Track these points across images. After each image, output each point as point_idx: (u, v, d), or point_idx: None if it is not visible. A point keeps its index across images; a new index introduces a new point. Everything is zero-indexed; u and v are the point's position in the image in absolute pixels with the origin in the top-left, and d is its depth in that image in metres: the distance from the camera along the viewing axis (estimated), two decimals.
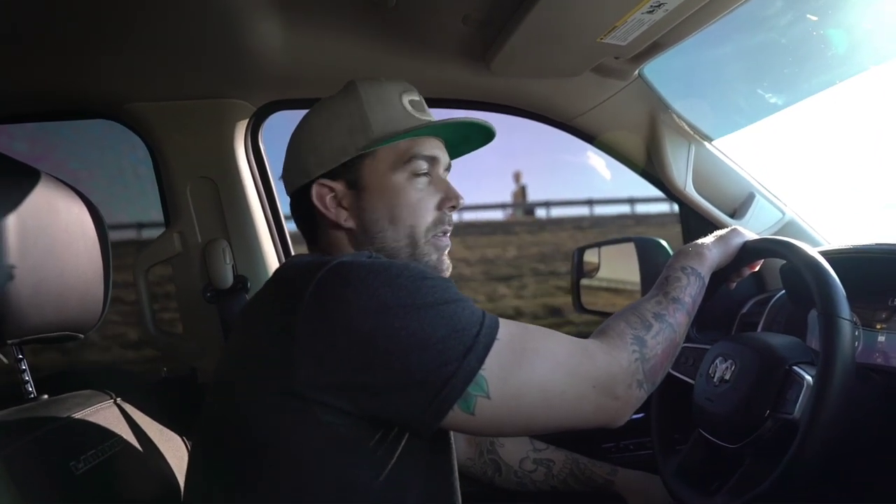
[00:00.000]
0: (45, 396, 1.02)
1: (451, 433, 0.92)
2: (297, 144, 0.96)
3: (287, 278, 0.79)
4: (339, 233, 0.93)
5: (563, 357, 0.78)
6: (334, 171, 0.92)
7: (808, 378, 0.92)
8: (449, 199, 0.94)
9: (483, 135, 1.01)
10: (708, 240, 1.03)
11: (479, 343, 0.73)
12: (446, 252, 0.96)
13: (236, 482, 0.76)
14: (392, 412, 0.73)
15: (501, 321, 0.78)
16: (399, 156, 0.92)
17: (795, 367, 0.94)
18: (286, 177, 0.98)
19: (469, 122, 0.95)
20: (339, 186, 0.92)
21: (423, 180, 0.93)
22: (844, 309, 0.87)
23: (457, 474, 0.93)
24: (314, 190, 0.92)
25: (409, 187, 0.92)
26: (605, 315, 1.88)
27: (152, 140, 1.45)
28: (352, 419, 0.73)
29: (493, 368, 0.73)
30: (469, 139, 1.02)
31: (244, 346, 0.81)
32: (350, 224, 0.92)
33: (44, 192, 0.97)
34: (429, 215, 0.93)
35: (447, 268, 0.95)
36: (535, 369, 0.76)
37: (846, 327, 0.86)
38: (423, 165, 0.93)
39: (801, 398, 0.91)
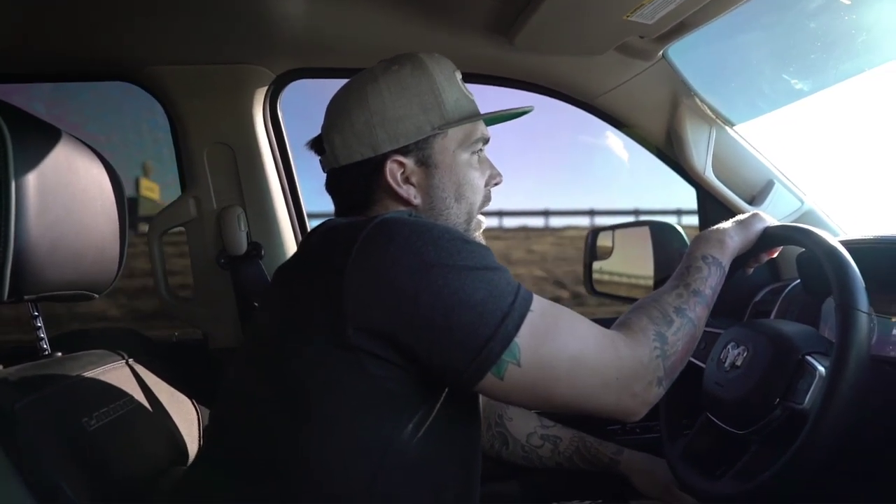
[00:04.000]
0: (59, 354, 1.03)
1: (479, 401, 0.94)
2: (359, 115, 0.91)
3: (334, 236, 0.80)
4: (403, 208, 0.93)
5: (592, 340, 0.79)
6: (404, 149, 0.92)
7: (821, 369, 0.91)
8: (493, 177, 0.99)
9: (505, 117, 1.04)
10: (728, 225, 1.02)
11: (515, 310, 0.74)
12: (483, 227, 1.00)
13: (275, 441, 0.77)
14: (434, 367, 0.75)
15: (535, 296, 0.79)
16: (466, 135, 0.94)
17: (808, 357, 0.94)
18: (338, 148, 0.93)
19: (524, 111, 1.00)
20: (409, 163, 0.92)
21: (477, 159, 0.97)
22: (863, 301, 0.86)
23: (481, 442, 0.95)
24: (388, 166, 0.91)
25: (472, 166, 0.96)
26: (616, 298, 1.89)
27: (171, 104, 1.45)
28: (398, 373, 0.75)
29: (525, 337, 0.74)
30: (493, 120, 1.04)
31: (288, 305, 0.81)
32: (418, 201, 0.93)
33: (64, 151, 0.98)
34: (481, 193, 0.97)
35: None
36: (566, 344, 0.77)
37: (863, 320, 0.85)
38: (482, 144, 0.97)
39: (812, 389, 0.90)
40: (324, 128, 0.97)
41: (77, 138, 1.06)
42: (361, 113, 0.91)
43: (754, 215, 1.04)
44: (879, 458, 1.01)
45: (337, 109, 0.95)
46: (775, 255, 1.11)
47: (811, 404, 0.89)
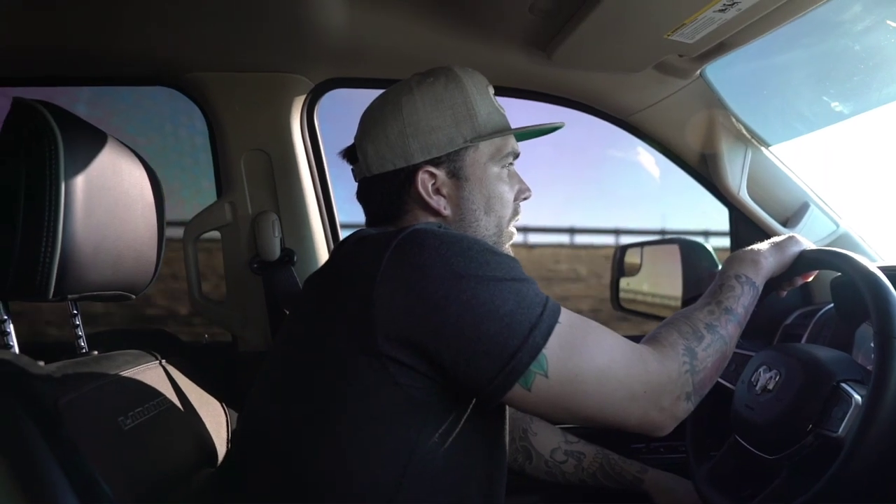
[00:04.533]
0: (96, 352, 1.05)
1: (507, 413, 0.94)
2: (393, 126, 0.93)
3: (366, 245, 0.81)
4: (433, 219, 0.95)
5: (620, 353, 0.79)
6: (436, 160, 0.93)
7: (857, 397, 0.89)
8: (523, 192, 1.00)
9: (537, 133, 1.06)
10: (763, 246, 1.01)
11: (544, 322, 0.75)
12: (512, 240, 1.01)
13: (301, 446, 0.78)
14: (460, 377, 0.75)
15: (563, 308, 0.79)
16: (497, 149, 0.96)
17: (844, 385, 0.92)
18: (371, 157, 0.95)
19: (555, 127, 1.03)
20: (441, 174, 0.93)
21: (507, 172, 0.98)
22: None
23: (506, 455, 0.94)
24: (420, 177, 0.93)
25: (502, 180, 0.97)
26: (642, 315, 1.88)
27: (210, 110, 1.47)
28: (425, 382, 0.75)
29: (553, 348, 0.75)
30: (525, 135, 1.05)
31: (319, 312, 0.82)
32: (447, 212, 0.94)
33: (110, 153, 1.00)
34: (510, 207, 0.98)
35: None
36: (593, 356, 0.77)
37: None
38: (512, 159, 0.99)
39: (847, 417, 0.88)
40: (357, 137, 0.99)
41: (120, 141, 1.08)
42: (395, 123, 0.93)
43: (790, 238, 1.04)
44: None
45: (371, 120, 0.97)
46: (810, 279, 1.09)
47: (846, 432, 0.87)
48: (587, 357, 0.77)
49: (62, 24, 1.24)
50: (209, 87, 1.45)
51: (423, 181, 0.93)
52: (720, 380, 1.19)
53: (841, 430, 0.88)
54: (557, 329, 0.76)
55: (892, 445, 0.82)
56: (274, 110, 1.47)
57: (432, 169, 0.93)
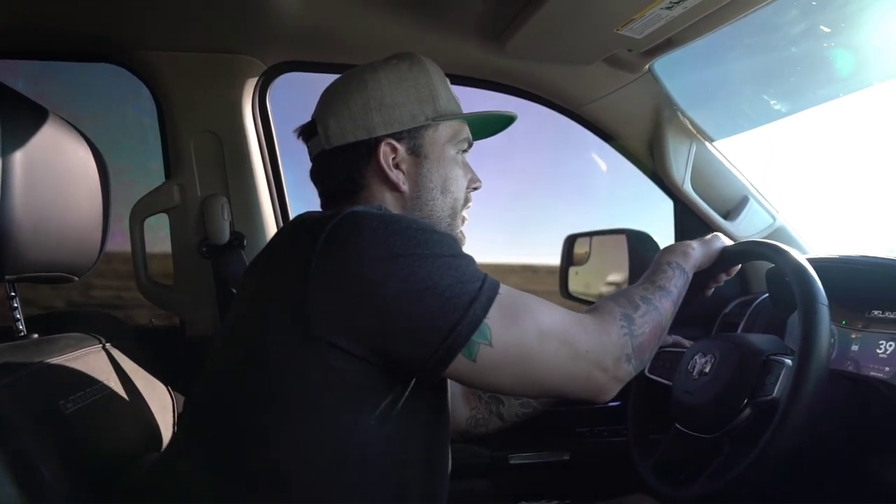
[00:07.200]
0: (35, 336, 1.02)
1: (449, 394, 0.96)
2: (357, 99, 0.95)
3: (302, 228, 0.81)
4: (390, 194, 0.96)
5: (560, 316, 0.82)
6: (398, 135, 0.95)
7: (788, 361, 0.95)
8: (474, 181, 1.03)
9: (492, 131, 1.09)
10: (692, 241, 1.09)
11: (483, 294, 0.76)
12: (464, 226, 1.03)
13: (243, 432, 0.78)
14: (401, 356, 0.75)
15: (501, 283, 0.81)
16: (455, 133, 0.99)
17: (773, 357, 0.98)
18: (332, 130, 0.96)
19: (507, 118, 1.06)
20: (401, 149, 0.95)
21: (462, 159, 1.01)
22: (823, 296, 0.91)
23: (449, 438, 0.96)
24: (382, 148, 0.94)
25: (457, 164, 1.00)
26: (590, 304, 1.92)
27: (160, 90, 1.44)
28: (362, 366, 0.75)
29: (495, 318, 0.76)
30: (482, 131, 1.08)
31: (258, 295, 0.82)
32: (405, 188, 0.96)
33: (51, 131, 0.97)
34: (463, 192, 1.01)
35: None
36: (536, 319, 0.80)
37: (825, 311, 0.90)
38: (466, 146, 1.01)
39: (780, 379, 0.94)
40: (318, 112, 0.99)
41: (64, 119, 1.05)
42: (359, 98, 0.95)
43: (714, 235, 1.12)
44: (837, 470, 1.05)
45: (334, 94, 0.98)
46: (732, 274, 1.17)
47: (780, 393, 0.93)
48: (529, 321, 0.79)
49: None
50: (158, 66, 1.41)
51: (385, 153, 0.94)
52: (658, 378, 1.23)
53: (776, 391, 0.94)
54: (498, 299, 0.77)
55: (823, 403, 0.87)
56: (225, 92, 1.45)
57: (394, 142, 0.94)
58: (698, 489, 0.96)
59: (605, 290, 1.79)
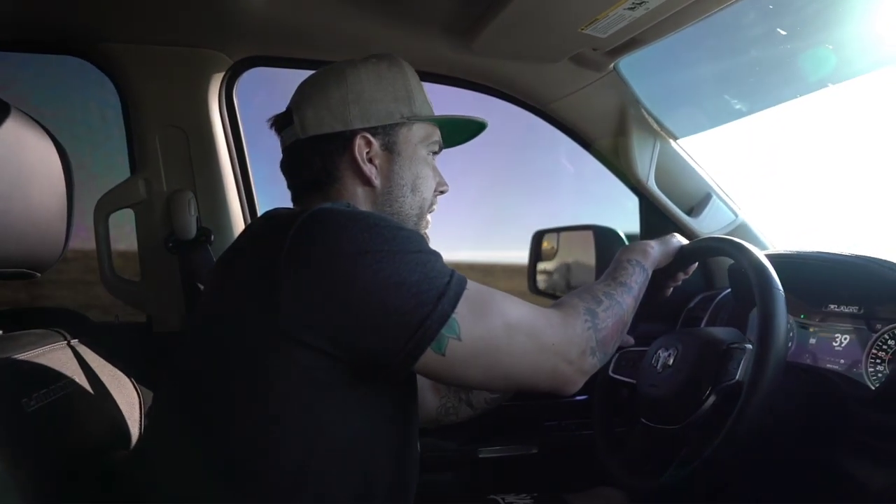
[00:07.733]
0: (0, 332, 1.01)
1: (417, 389, 0.96)
2: (335, 92, 0.96)
3: (271, 224, 0.81)
4: (361, 189, 0.97)
5: (526, 311, 0.84)
6: (373, 129, 0.96)
7: (748, 345, 0.99)
8: (442, 184, 1.05)
9: (462, 139, 1.11)
10: (650, 241, 1.12)
11: (451, 289, 0.77)
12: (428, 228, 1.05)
13: (211, 427, 0.78)
14: (370, 351, 0.75)
15: (469, 280, 0.82)
16: (427, 135, 1.01)
17: (734, 345, 1.01)
18: (309, 119, 0.96)
19: (477, 125, 1.08)
20: (375, 144, 0.96)
21: (432, 161, 1.03)
22: (777, 283, 0.94)
23: (418, 432, 0.97)
24: (357, 141, 0.95)
25: (428, 165, 1.02)
26: (557, 297, 1.94)
27: (124, 84, 1.42)
28: (328, 362, 0.75)
29: (463, 312, 0.77)
30: (452, 138, 1.10)
31: (226, 291, 0.82)
32: (377, 182, 0.97)
33: (12, 125, 0.95)
34: (431, 193, 1.02)
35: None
36: (503, 313, 0.81)
37: (781, 295, 0.93)
38: (437, 148, 1.04)
39: (742, 362, 0.97)
40: (294, 102, 1.00)
41: (26, 113, 1.03)
42: (338, 90, 0.96)
43: (672, 235, 1.16)
44: (791, 462, 1.08)
45: (312, 85, 0.99)
46: (689, 273, 1.20)
47: (743, 375, 0.95)
48: (497, 315, 0.81)
49: None
50: (122, 59, 1.39)
51: (360, 146, 0.95)
52: (622, 377, 1.26)
53: (738, 375, 0.97)
54: (465, 294, 0.78)
55: (783, 392, 0.90)
56: (191, 86, 1.44)
57: (369, 136, 0.96)
58: (668, 479, 0.98)
59: (571, 286, 1.81)
